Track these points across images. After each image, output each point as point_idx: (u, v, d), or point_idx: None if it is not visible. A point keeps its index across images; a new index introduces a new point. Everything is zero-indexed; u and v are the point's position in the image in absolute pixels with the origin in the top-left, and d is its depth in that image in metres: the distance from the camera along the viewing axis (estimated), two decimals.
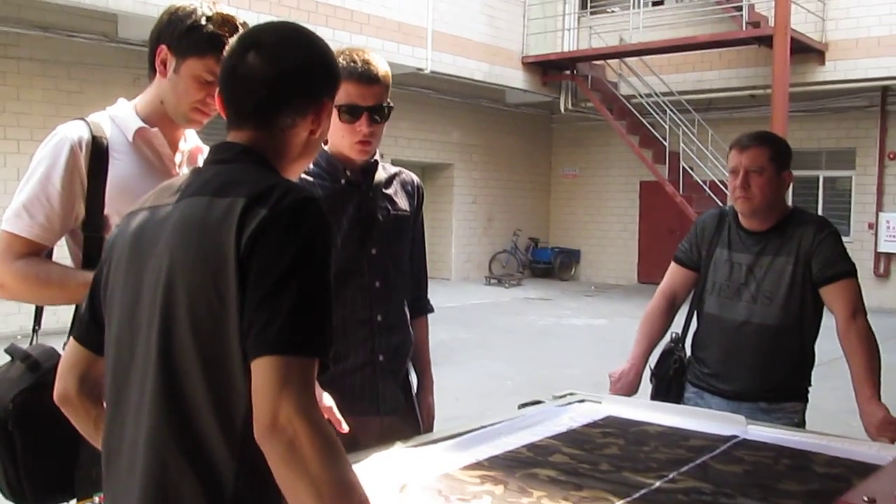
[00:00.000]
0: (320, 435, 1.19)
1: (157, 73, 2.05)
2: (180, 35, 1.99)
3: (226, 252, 1.27)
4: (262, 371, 1.22)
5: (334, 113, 2.23)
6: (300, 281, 1.26)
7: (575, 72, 16.38)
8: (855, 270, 2.84)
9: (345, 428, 2.04)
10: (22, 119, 10.33)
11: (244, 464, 1.28)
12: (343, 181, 2.37)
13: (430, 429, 2.59)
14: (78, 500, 1.88)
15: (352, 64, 2.22)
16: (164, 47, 2.02)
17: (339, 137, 2.32)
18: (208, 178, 1.40)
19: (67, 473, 1.97)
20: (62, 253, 2.06)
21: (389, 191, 2.47)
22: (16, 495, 1.95)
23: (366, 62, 2.24)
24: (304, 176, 2.34)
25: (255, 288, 1.25)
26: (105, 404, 1.45)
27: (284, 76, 1.42)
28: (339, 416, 2.06)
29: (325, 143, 2.39)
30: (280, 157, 1.46)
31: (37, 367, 1.93)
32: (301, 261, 1.27)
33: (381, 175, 2.46)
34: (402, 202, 2.50)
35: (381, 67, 2.28)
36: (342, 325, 2.32)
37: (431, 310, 2.69)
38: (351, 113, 2.25)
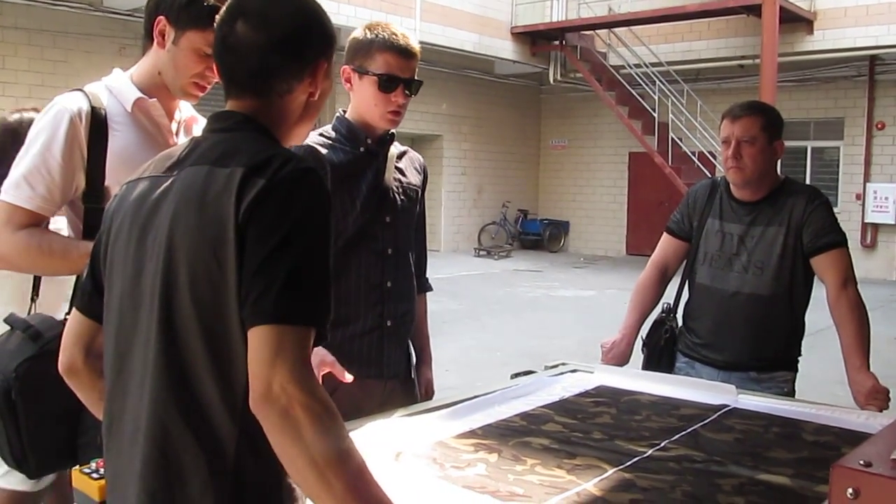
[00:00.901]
0: (315, 402, 1.19)
1: (155, 44, 2.03)
2: (180, 7, 1.97)
3: (225, 222, 1.27)
4: (258, 340, 1.22)
5: (370, 82, 2.29)
6: (297, 250, 1.26)
7: (564, 42, 16.31)
8: (846, 240, 2.85)
9: (348, 378, 2.05)
10: (6, 88, 10.24)
11: (245, 431, 1.28)
12: (362, 149, 2.40)
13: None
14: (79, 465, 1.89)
15: (393, 36, 2.30)
16: (162, 18, 1.99)
17: (370, 106, 2.35)
18: (208, 148, 1.39)
19: (70, 441, 1.99)
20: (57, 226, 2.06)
21: (401, 164, 2.54)
22: (19, 463, 1.96)
23: (404, 36, 2.33)
24: (324, 139, 2.38)
25: (252, 256, 1.25)
26: (105, 373, 1.45)
27: (274, 43, 1.39)
28: (340, 367, 2.07)
29: (344, 112, 2.45)
30: (280, 123, 1.45)
31: (38, 337, 1.94)
32: (298, 230, 1.26)
33: (394, 148, 2.51)
34: (413, 177, 2.57)
35: (416, 43, 2.39)
36: (355, 289, 2.37)
37: (430, 288, 2.74)
38: (390, 82, 2.30)
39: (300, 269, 1.25)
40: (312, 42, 1.44)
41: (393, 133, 2.48)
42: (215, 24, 1.45)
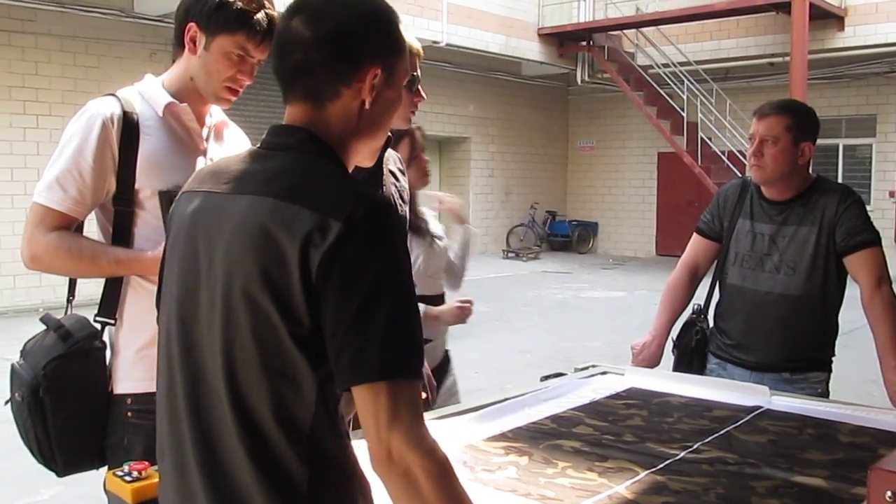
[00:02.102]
0: (434, 465, 1.18)
1: (186, 50, 2.05)
2: (210, 12, 1.98)
3: (289, 265, 1.20)
4: (370, 400, 1.18)
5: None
6: (390, 298, 1.20)
7: (591, 43, 16.25)
8: (879, 239, 2.81)
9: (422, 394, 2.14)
10: (41, 94, 10.37)
11: (314, 467, 1.26)
12: None
13: (435, 400, 2.67)
14: (109, 468, 1.91)
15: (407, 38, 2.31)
16: (193, 24, 2.01)
17: None
18: (272, 174, 1.30)
19: (98, 441, 2.03)
20: (90, 227, 2.09)
21: (391, 167, 2.53)
22: (47, 460, 2.01)
23: (408, 37, 2.34)
24: None
25: (341, 311, 1.19)
26: (157, 394, 1.42)
27: (320, 38, 1.30)
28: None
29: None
30: (338, 136, 1.35)
31: (68, 337, 1.98)
32: (387, 276, 1.20)
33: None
34: (402, 179, 2.59)
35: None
36: None
37: None
38: (415, 82, 2.33)
39: (397, 317, 1.20)
40: (365, 45, 1.33)
41: (390, 137, 2.49)
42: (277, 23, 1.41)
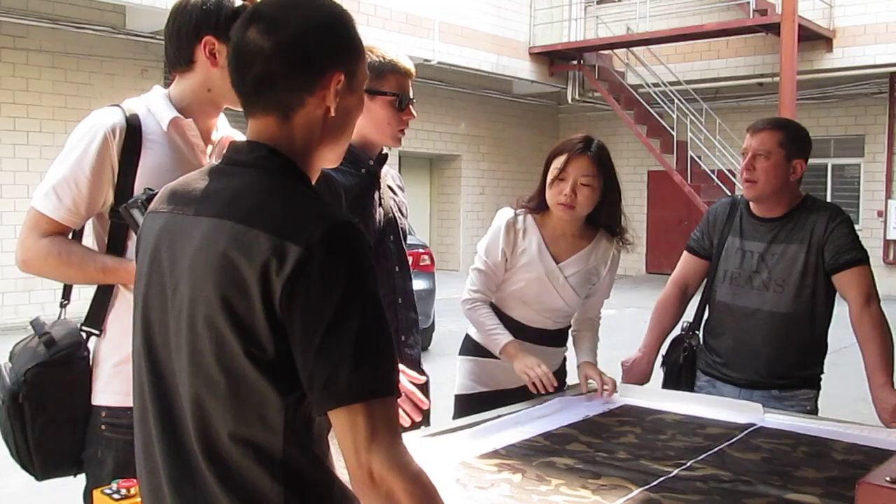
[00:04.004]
0: (414, 486, 1.17)
1: (200, 63, 2.03)
2: (227, 21, 1.96)
3: (250, 293, 1.19)
4: (347, 423, 1.18)
5: (384, 102, 2.32)
6: (356, 318, 1.18)
7: (582, 62, 16.32)
8: (868, 257, 2.82)
9: (426, 403, 2.13)
10: (31, 110, 10.33)
11: (289, 486, 1.25)
12: (363, 170, 2.41)
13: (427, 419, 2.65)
14: (92, 487, 1.90)
15: (397, 58, 2.37)
16: (211, 37, 2.00)
17: (383, 125, 2.38)
18: (231, 194, 1.28)
19: (76, 450, 2.03)
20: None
21: (390, 183, 2.56)
22: (25, 464, 2.02)
23: (404, 57, 2.40)
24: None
25: (307, 335, 1.18)
26: (133, 417, 1.41)
27: (280, 48, 1.27)
28: (420, 396, 2.11)
29: None
30: (302, 148, 1.33)
31: (52, 344, 1.99)
32: (352, 296, 1.18)
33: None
34: (400, 194, 2.62)
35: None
36: None
37: None
38: (404, 102, 2.36)
39: (366, 338, 1.18)
40: (325, 51, 1.30)
41: (387, 153, 2.50)
42: (230, 34, 1.36)
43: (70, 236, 2.04)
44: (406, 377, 2.11)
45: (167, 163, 2.02)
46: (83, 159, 1.97)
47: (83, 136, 1.99)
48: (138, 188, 1.97)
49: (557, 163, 2.68)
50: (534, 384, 2.56)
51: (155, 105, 2.07)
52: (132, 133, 1.99)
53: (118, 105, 2.06)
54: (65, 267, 1.99)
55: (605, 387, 2.67)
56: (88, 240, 2.09)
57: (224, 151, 1.39)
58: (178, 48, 2.05)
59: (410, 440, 2.06)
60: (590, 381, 2.75)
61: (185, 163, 2.04)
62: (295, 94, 1.30)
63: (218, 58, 2.01)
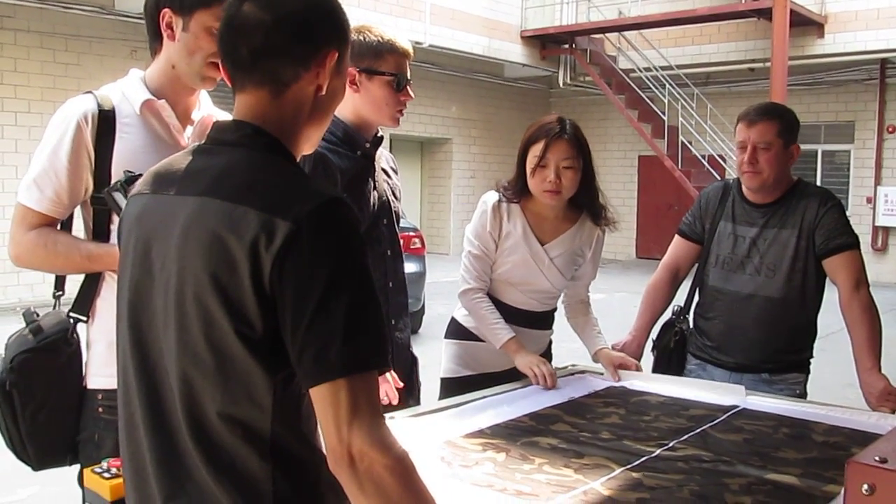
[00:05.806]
0: (395, 461, 1.17)
1: (165, 39, 2.04)
2: None
3: (239, 270, 1.19)
4: (328, 397, 1.17)
5: (382, 82, 2.31)
6: (347, 293, 1.18)
7: (573, 46, 16.28)
8: (858, 242, 2.84)
9: (395, 397, 2.25)
10: (19, 91, 10.27)
11: (278, 465, 1.26)
12: (359, 152, 2.40)
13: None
14: (84, 467, 1.90)
15: (395, 38, 2.35)
16: (167, 11, 2.00)
17: (381, 106, 2.36)
18: (218, 172, 1.28)
19: (69, 437, 2.04)
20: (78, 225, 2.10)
21: (384, 166, 2.54)
22: (20, 454, 2.03)
23: (401, 38, 2.39)
24: (327, 144, 2.32)
25: (298, 311, 1.18)
26: (117, 400, 1.41)
27: (281, 20, 1.29)
28: (392, 386, 2.17)
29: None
30: (289, 126, 1.34)
31: (39, 332, 2.00)
32: (342, 271, 1.19)
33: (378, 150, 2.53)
34: (394, 177, 2.60)
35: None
36: None
37: None
38: (402, 82, 2.35)
39: (356, 313, 1.18)
40: (323, 27, 1.34)
41: (382, 136, 2.50)
42: (223, 8, 1.38)
43: (59, 227, 2.04)
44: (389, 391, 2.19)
45: (143, 146, 2.02)
46: (59, 149, 1.97)
47: (57, 126, 2.00)
48: (116, 172, 1.97)
49: (536, 150, 2.65)
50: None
51: (129, 89, 2.07)
52: (105, 118, 1.99)
53: (90, 92, 2.06)
54: (52, 257, 2.00)
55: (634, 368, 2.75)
56: (80, 233, 2.09)
57: (207, 131, 1.39)
58: (147, 27, 2.06)
59: (396, 420, 2.09)
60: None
61: (162, 144, 2.04)
62: (292, 68, 1.31)
63: (175, 31, 2.01)
